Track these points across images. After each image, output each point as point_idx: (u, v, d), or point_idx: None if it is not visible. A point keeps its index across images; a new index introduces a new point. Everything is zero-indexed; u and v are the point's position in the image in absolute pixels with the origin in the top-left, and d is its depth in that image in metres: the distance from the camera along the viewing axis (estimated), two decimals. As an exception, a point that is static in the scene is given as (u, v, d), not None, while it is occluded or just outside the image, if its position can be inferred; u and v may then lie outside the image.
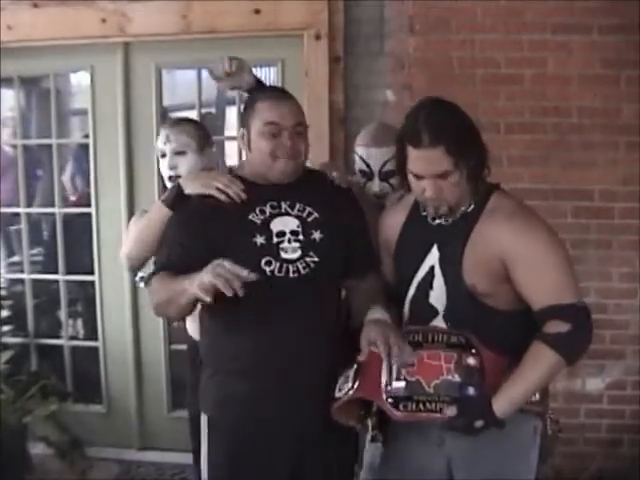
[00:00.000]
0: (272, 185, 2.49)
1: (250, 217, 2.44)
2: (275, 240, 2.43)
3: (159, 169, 3.07)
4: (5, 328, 4.62)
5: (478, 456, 2.40)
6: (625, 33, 3.79)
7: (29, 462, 4.18)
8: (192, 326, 3.10)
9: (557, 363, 2.22)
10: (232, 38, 4.05)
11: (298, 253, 2.44)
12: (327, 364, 2.43)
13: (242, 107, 2.59)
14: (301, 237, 2.46)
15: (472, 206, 2.39)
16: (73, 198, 5.30)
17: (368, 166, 2.97)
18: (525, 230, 2.30)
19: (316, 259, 2.45)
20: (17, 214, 4.68)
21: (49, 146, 4.59)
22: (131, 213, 4.30)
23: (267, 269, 2.40)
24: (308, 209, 2.50)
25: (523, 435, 2.43)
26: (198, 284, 2.16)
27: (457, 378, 2.25)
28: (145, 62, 4.24)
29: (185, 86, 4.64)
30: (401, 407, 2.25)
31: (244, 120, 2.52)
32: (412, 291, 2.46)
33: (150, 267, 2.69)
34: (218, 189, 2.46)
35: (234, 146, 4.44)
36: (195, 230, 2.44)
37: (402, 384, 2.26)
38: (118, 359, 4.50)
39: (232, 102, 4.43)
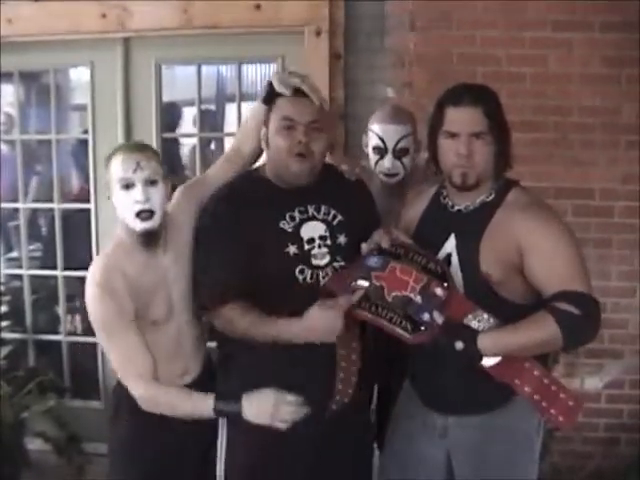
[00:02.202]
0: (297, 188, 2.47)
1: (281, 225, 2.44)
2: (306, 247, 2.44)
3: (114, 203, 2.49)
4: (3, 323, 4.59)
5: (484, 449, 2.43)
6: (626, 31, 3.79)
7: (26, 458, 4.16)
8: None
9: (554, 337, 2.21)
10: (233, 34, 4.06)
11: (327, 259, 2.46)
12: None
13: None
14: (329, 242, 2.48)
15: (492, 196, 2.44)
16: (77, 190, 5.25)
17: (383, 142, 3.02)
18: (542, 222, 2.33)
19: (342, 263, 2.48)
20: (16, 209, 4.67)
21: (48, 141, 4.57)
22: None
23: (300, 277, 2.43)
24: (332, 212, 2.52)
25: (529, 428, 2.45)
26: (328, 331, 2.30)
27: (418, 299, 2.29)
28: (145, 57, 4.23)
29: (185, 82, 4.63)
30: (361, 304, 2.33)
31: (266, 119, 2.49)
32: None
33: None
34: None
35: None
36: (239, 243, 2.39)
37: (366, 283, 2.33)
38: (116, 355, 4.48)
39: (232, 99, 4.42)
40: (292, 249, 2.42)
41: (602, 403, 4.13)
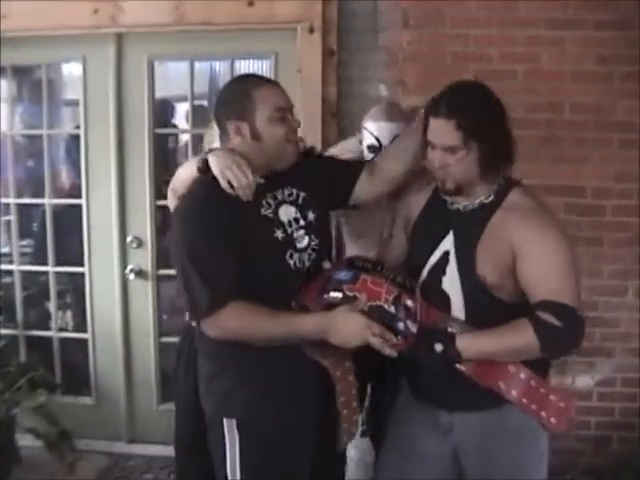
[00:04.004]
0: (261, 176, 2.45)
1: (262, 212, 2.43)
2: (289, 231, 2.45)
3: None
4: (-6, 319, 4.61)
5: (490, 447, 2.43)
6: (619, 29, 3.78)
7: (17, 454, 4.16)
8: None
9: (531, 345, 2.22)
10: (225, 30, 4.04)
11: (306, 240, 2.48)
12: None
13: (226, 102, 2.52)
14: (302, 223, 2.49)
15: (491, 197, 2.42)
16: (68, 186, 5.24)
17: (377, 140, 2.99)
18: (539, 227, 2.31)
19: (317, 241, 2.51)
20: (7, 205, 4.64)
21: (40, 136, 4.54)
22: (122, 205, 4.30)
23: (291, 262, 2.43)
24: (295, 191, 2.53)
25: (534, 425, 2.41)
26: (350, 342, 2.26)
27: (392, 309, 2.27)
28: (138, 53, 4.21)
29: (177, 78, 4.62)
30: None
31: (239, 113, 2.43)
32: (424, 275, 2.48)
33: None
34: (230, 183, 2.37)
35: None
36: (225, 238, 2.33)
37: (339, 294, 2.31)
38: (107, 351, 4.49)
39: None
40: (279, 234, 2.42)
41: (593, 401, 4.14)
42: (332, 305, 2.30)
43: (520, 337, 2.23)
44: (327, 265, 2.44)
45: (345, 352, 2.39)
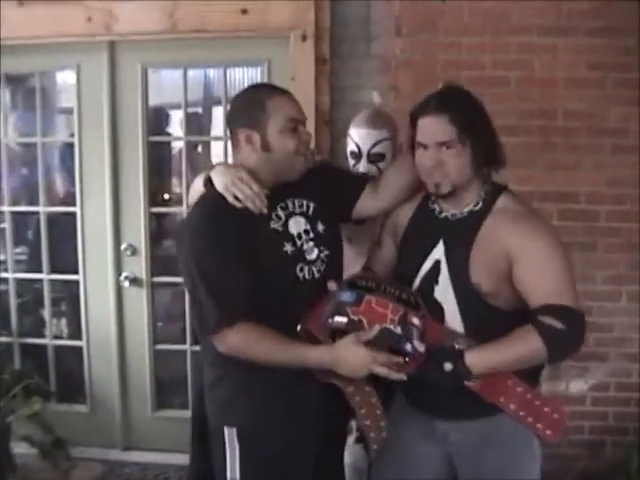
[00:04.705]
0: (272, 187, 2.45)
1: (272, 225, 2.42)
2: (298, 244, 2.43)
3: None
4: (-12, 327, 4.60)
5: (486, 454, 2.43)
6: (611, 36, 3.80)
7: (12, 462, 4.15)
8: None
9: (538, 352, 2.21)
10: (219, 38, 4.05)
11: (316, 252, 2.47)
12: None
13: (239, 110, 2.50)
14: (312, 235, 2.48)
15: (480, 205, 2.41)
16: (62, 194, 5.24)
17: (358, 147, 2.99)
18: (532, 230, 2.31)
19: (327, 252, 2.50)
20: (1, 212, 4.64)
21: (34, 144, 4.54)
22: (116, 212, 4.30)
23: (301, 275, 2.42)
24: (305, 202, 2.52)
25: (528, 430, 2.41)
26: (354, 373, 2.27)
27: (398, 330, 2.24)
28: (131, 61, 4.21)
29: (171, 85, 4.62)
30: (337, 340, 2.28)
31: (251, 122, 2.42)
32: (416, 285, 2.47)
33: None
34: (236, 197, 2.38)
35: (220, 146, 4.43)
36: (235, 252, 2.32)
37: (344, 319, 2.26)
38: (102, 358, 4.49)
39: (218, 102, 4.41)
40: (289, 247, 2.41)
41: (587, 406, 4.15)
42: (337, 331, 2.28)
43: (527, 345, 2.22)
44: (333, 287, 2.39)
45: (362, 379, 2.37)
